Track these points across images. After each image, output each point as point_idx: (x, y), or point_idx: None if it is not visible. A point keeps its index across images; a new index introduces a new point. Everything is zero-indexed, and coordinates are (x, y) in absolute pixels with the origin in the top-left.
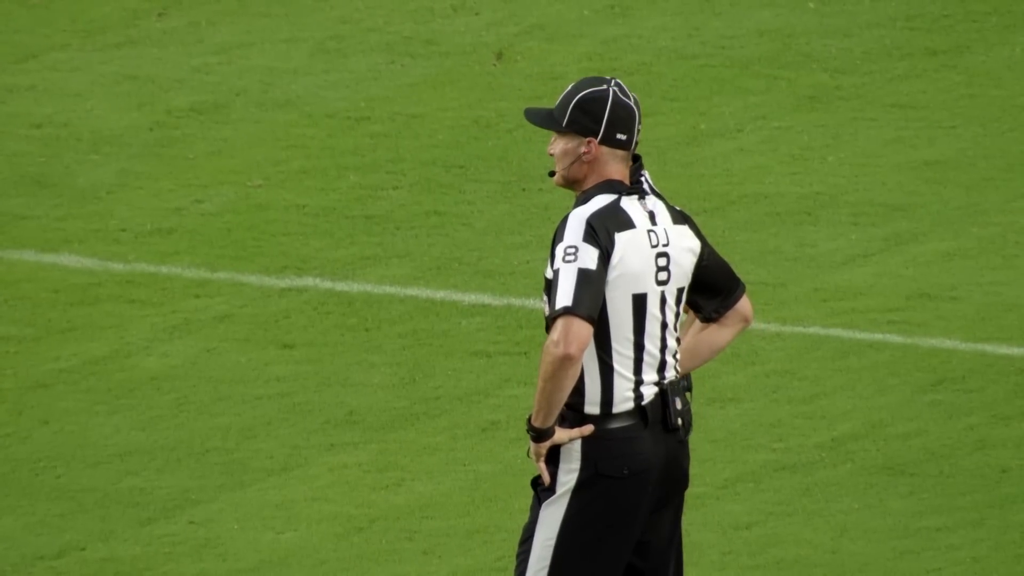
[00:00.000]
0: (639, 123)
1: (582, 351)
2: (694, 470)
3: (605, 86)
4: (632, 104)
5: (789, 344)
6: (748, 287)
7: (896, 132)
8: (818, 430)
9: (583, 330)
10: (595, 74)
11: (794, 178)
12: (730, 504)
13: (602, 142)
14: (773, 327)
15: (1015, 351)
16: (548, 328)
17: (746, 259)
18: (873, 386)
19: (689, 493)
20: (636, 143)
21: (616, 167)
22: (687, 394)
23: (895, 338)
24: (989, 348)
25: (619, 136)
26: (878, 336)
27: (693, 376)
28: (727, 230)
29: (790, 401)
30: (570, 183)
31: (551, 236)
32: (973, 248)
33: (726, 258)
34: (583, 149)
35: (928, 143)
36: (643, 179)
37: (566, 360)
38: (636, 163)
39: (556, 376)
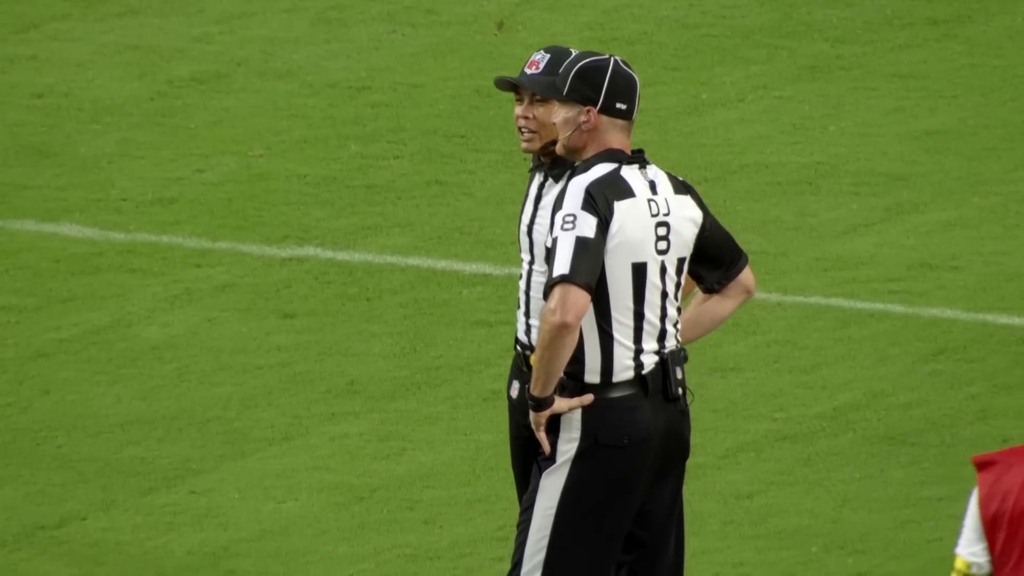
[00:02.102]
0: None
1: (579, 319)
2: (695, 440)
3: (606, 56)
4: (633, 74)
5: (790, 314)
6: (749, 257)
7: (897, 102)
8: (819, 400)
9: (580, 298)
10: (596, 44)
11: (795, 148)
12: (731, 474)
13: (601, 111)
14: (774, 297)
15: (1016, 321)
16: (546, 296)
17: (747, 229)
18: (874, 356)
19: (690, 463)
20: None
21: (617, 137)
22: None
23: (896, 308)
24: (990, 318)
25: (619, 105)
26: (879, 306)
27: (691, 347)
28: (728, 200)
29: (791, 371)
30: (571, 153)
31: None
32: (974, 218)
33: (727, 228)
34: (583, 118)
35: (929, 113)
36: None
37: (563, 328)
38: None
39: (553, 344)
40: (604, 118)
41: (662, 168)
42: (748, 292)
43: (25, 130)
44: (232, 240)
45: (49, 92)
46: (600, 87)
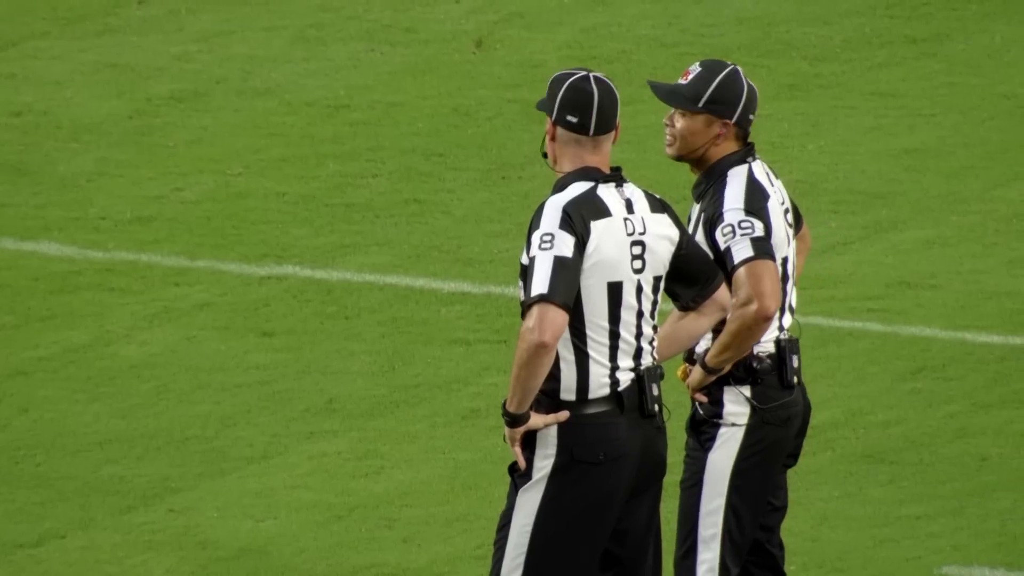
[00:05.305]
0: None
1: (557, 339)
2: (672, 458)
3: (580, 71)
4: (593, 90)
5: None
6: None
7: (876, 120)
8: None
9: (558, 318)
10: (575, 62)
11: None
12: None
13: (555, 122)
14: None
15: (995, 339)
16: (523, 315)
17: None
18: (853, 374)
19: (668, 481)
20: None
21: (591, 154)
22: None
23: (875, 326)
24: (969, 336)
25: (569, 118)
26: (858, 324)
27: (668, 365)
28: None
29: None
30: (552, 164)
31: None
32: (953, 236)
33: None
34: (547, 128)
35: (908, 131)
36: (759, 161)
37: (540, 347)
38: (748, 146)
39: (530, 363)
40: (560, 130)
41: (640, 187)
42: (724, 310)
43: (3, 148)
44: (211, 259)
45: (27, 110)
46: (555, 98)
